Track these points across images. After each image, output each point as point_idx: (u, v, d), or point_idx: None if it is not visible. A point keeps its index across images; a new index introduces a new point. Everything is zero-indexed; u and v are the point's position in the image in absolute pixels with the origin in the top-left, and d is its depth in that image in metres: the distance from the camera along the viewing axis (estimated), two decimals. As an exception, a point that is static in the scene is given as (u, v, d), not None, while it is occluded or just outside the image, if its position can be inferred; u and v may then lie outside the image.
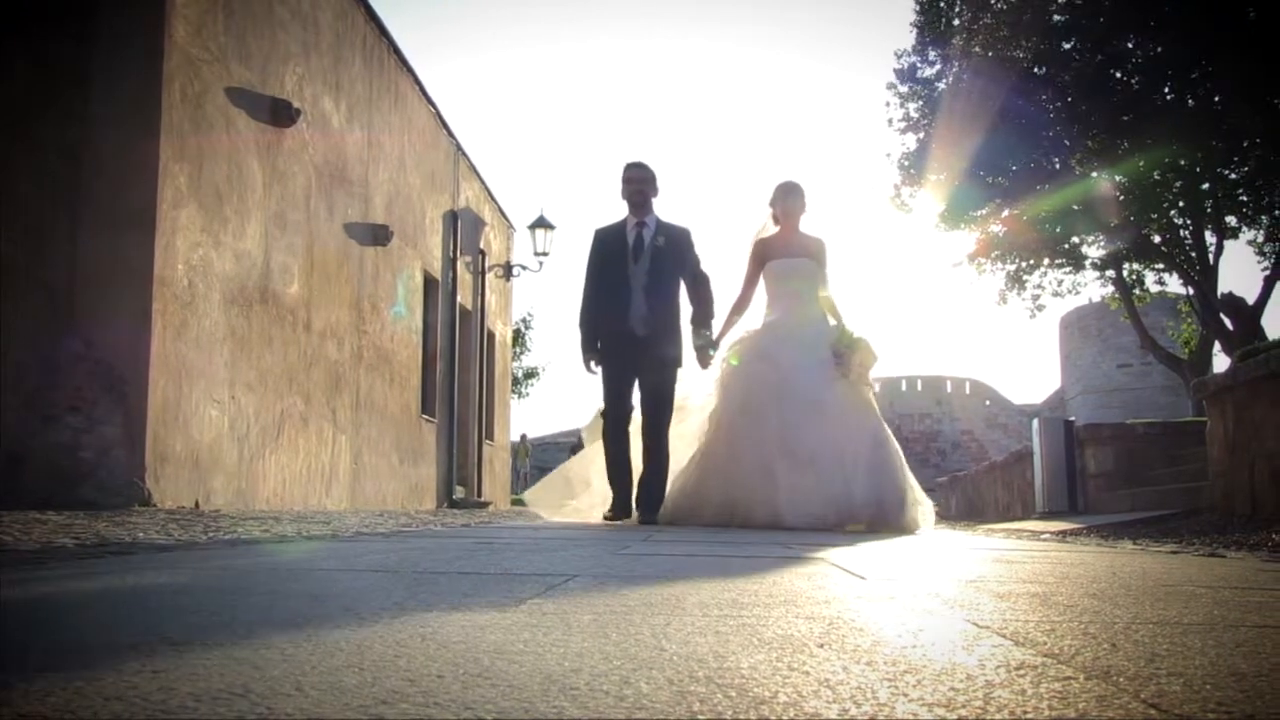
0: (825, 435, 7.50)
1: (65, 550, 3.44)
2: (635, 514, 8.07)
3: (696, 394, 8.54)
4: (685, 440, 8.35)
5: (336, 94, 11.52)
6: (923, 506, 7.79)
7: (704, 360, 8.38)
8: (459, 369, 16.85)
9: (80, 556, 3.27)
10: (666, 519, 7.93)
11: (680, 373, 8.43)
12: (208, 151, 8.53)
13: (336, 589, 2.34)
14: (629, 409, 8.21)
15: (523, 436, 39.39)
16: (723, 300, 8.57)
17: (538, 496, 9.56)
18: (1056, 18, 20.91)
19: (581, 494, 8.95)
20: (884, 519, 7.27)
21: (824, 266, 8.42)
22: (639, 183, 8.36)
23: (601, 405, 8.43)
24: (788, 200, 8.42)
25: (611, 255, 8.26)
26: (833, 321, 8.21)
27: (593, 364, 8.29)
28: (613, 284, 8.18)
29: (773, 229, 8.52)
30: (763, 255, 8.39)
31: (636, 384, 8.24)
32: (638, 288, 8.10)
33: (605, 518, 8.11)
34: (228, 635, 1.61)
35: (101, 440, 7.56)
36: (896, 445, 7.93)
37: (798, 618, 1.91)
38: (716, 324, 8.48)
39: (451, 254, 16.52)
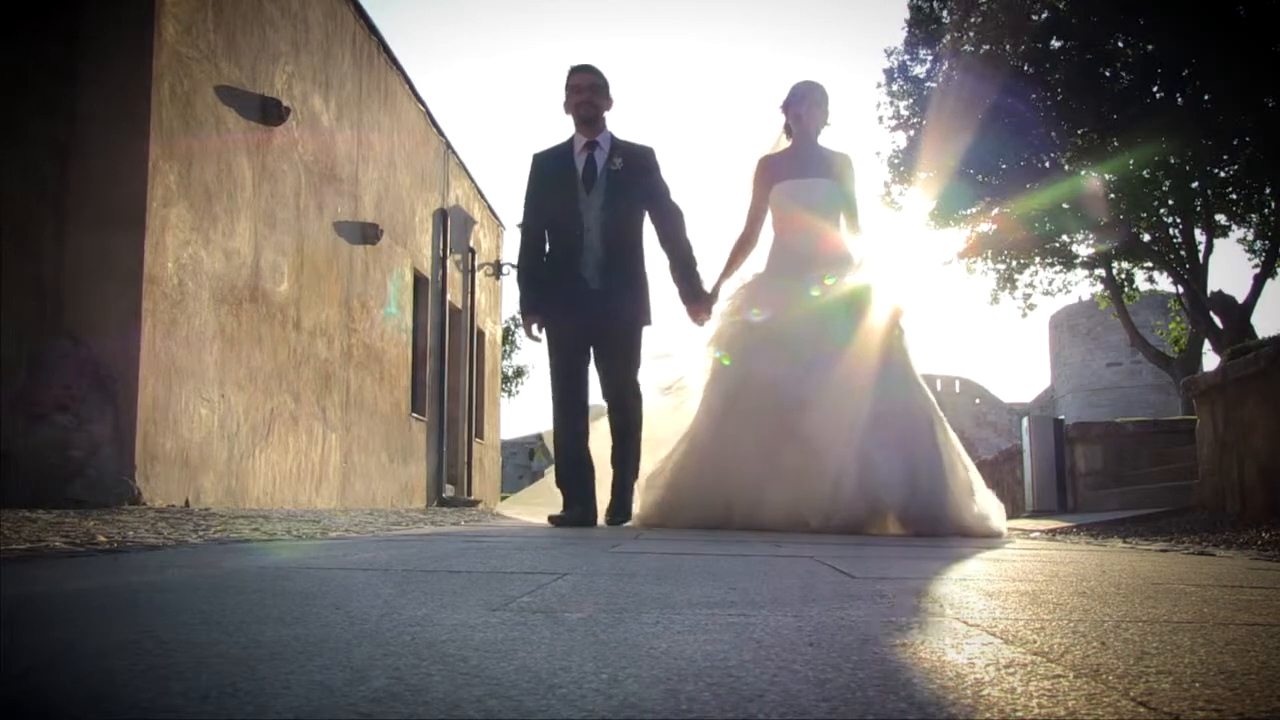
0: (838, 409, 5.92)
1: (55, 549, 3.43)
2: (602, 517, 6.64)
3: (695, 374, 6.87)
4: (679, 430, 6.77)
5: (326, 92, 11.51)
6: (987, 502, 6.10)
7: (697, 319, 6.79)
8: (449, 368, 16.84)
9: (70, 555, 3.26)
10: (641, 521, 6.56)
11: (671, 349, 7.06)
12: (197, 150, 8.51)
13: (326, 587, 2.34)
14: (584, 386, 6.66)
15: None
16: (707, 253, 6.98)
17: (518, 506, 8.09)
18: (1045, 15, 20.98)
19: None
20: (919, 516, 5.72)
21: (850, 189, 6.73)
22: (589, 90, 6.63)
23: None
24: (804, 104, 6.71)
25: (556, 186, 6.61)
26: (855, 259, 6.58)
27: (535, 328, 6.69)
28: (559, 223, 6.59)
29: (785, 144, 6.90)
30: (770, 175, 6.73)
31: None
32: (592, 226, 6.48)
33: (551, 520, 6.56)
34: (217, 634, 1.60)
35: (91, 439, 7.54)
36: (941, 418, 6.24)
37: (787, 616, 1.91)
38: (712, 271, 6.89)
39: (441, 252, 16.51)
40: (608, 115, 6.76)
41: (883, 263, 6.82)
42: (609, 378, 6.61)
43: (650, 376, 6.89)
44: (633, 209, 6.64)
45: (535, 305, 6.69)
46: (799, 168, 6.67)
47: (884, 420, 5.89)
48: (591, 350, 6.64)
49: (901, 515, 5.75)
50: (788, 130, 6.86)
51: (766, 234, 6.87)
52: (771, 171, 6.74)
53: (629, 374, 6.60)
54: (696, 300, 6.72)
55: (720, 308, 6.74)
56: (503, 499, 20.42)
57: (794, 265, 6.54)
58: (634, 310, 6.62)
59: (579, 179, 6.54)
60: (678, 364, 7.07)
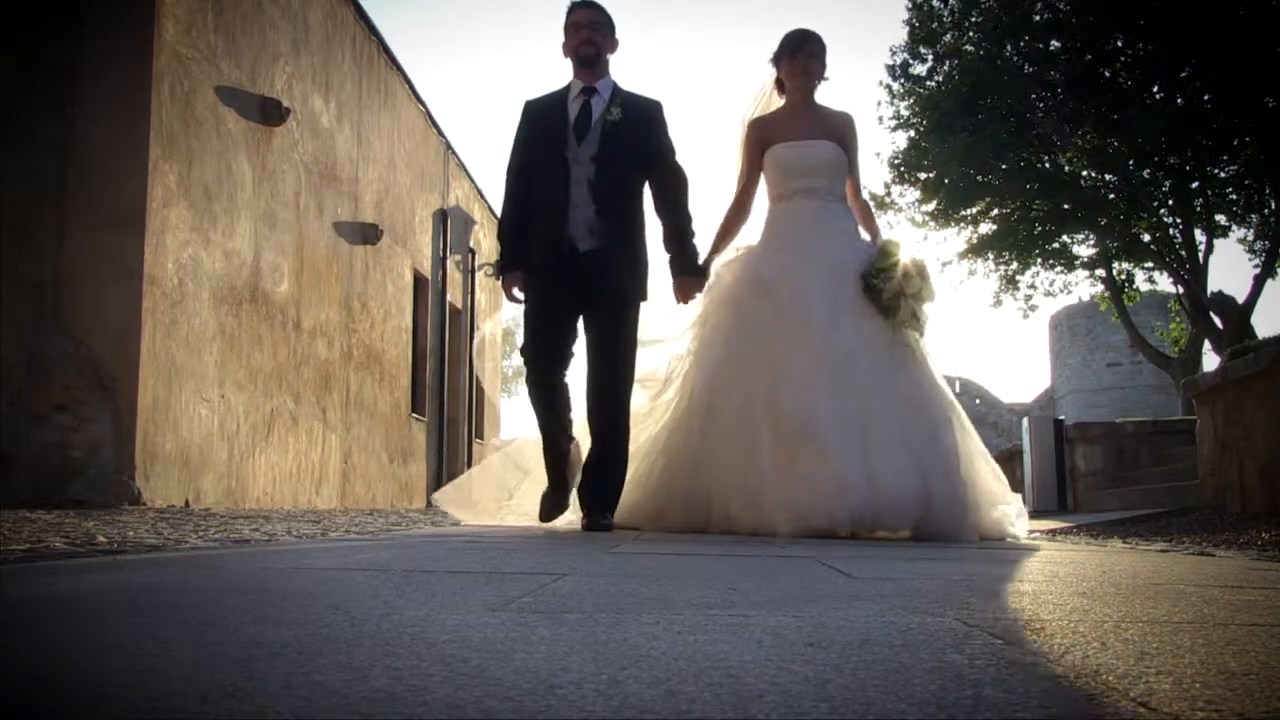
0: (841, 401, 5.14)
1: (55, 549, 3.43)
2: (581, 513, 5.75)
3: (682, 354, 6.08)
4: (658, 418, 6.02)
5: (326, 93, 11.51)
6: (1008, 508, 5.52)
7: (685, 294, 5.92)
8: (449, 368, 16.86)
9: (70, 555, 3.26)
10: (621, 522, 5.70)
11: (662, 333, 6.21)
12: (197, 150, 8.52)
13: (325, 588, 2.34)
14: (565, 356, 5.77)
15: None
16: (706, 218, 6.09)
17: (453, 496, 6.82)
18: (1045, 15, 21.02)
19: (517, 489, 6.38)
20: (934, 522, 5.00)
21: (852, 154, 5.94)
22: (590, 28, 5.80)
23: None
24: (798, 57, 5.85)
25: (545, 134, 5.78)
26: (865, 235, 5.82)
27: (516, 290, 5.85)
28: (544, 173, 5.72)
29: (777, 103, 6.06)
30: (762, 138, 5.90)
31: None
32: (581, 180, 5.62)
33: (542, 519, 5.80)
34: (217, 634, 1.60)
35: (91, 439, 7.55)
36: (959, 415, 5.50)
37: (787, 616, 1.90)
38: (703, 245, 6.01)
39: (441, 253, 16.53)
40: (611, 59, 5.95)
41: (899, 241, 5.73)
42: (595, 360, 5.67)
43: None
44: (630, 166, 5.76)
45: (514, 263, 5.87)
46: (796, 128, 5.85)
47: (895, 419, 5.20)
48: (580, 324, 5.77)
49: (907, 530, 5.04)
50: (779, 86, 6.03)
51: (759, 207, 6.07)
52: (764, 134, 5.91)
53: (619, 356, 5.67)
54: (689, 273, 5.90)
55: (708, 283, 5.98)
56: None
57: (792, 238, 5.75)
58: (628, 281, 5.72)
59: (570, 126, 5.71)
60: (663, 351, 6.22)
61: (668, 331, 6.20)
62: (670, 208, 5.88)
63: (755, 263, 5.79)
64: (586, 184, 5.61)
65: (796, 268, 5.57)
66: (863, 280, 5.42)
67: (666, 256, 5.96)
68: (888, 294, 5.35)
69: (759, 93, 6.14)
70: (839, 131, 5.88)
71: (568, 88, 5.85)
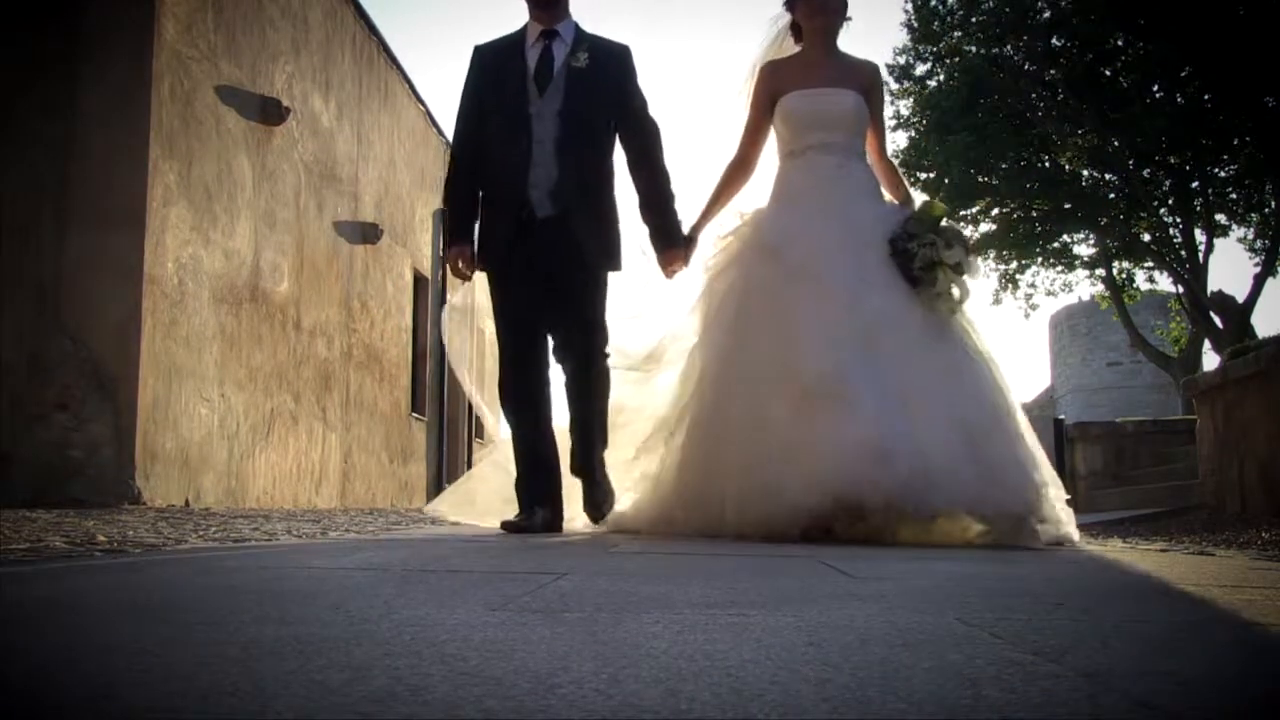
0: (873, 364, 4.38)
1: (55, 549, 3.43)
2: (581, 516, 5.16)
3: (681, 333, 5.17)
4: (655, 406, 5.19)
5: (326, 92, 11.51)
6: (1056, 496, 4.56)
7: (671, 268, 5.14)
8: (448, 367, 16.88)
9: (70, 555, 3.26)
10: (618, 526, 5.06)
11: (641, 308, 5.39)
12: (197, 149, 8.52)
13: (325, 587, 2.34)
14: (542, 349, 5.07)
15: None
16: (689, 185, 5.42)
17: (449, 503, 6.12)
18: (1046, 14, 21.04)
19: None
20: (995, 500, 4.24)
21: (876, 107, 5.16)
22: None
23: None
24: None
25: (502, 86, 5.00)
26: (889, 198, 5.09)
27: (462, 264, 5.13)
28: (502, 130, 4.95)
29: (792, 49, 5.21)
30: (774, 85, 5.05)
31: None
32: (544, 139, 4.86)
33: (505, 527, 4.88)
34: (216, 634, 1.60)
35: (91, 438, 7.55)
36: (1006, 383, 4.69)
37: (787, 616, 1.90)
38: (690, 207, 5.23)
39: (441, 252, 16.53)
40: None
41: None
42: (563, 337, 5.06)
43: (619, 344, 5.23)
44: (598, 119, 5.02)
45: (465, 231, 5.12)
46: (812, 76, 5.01)
47: (939, 390, 4.43)
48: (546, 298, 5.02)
49: (973, 509, 4.28)
50: (795, 31, 5.19)
51: (767, 166, 5.24)
52: (776, 81, 5.06)
53: (592, 339, 5.04)
54: (673, 243, 5.13)
55: (709, 255, 5.15)
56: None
57: (805, 197, 4.93)
58: (597, 248, 5.00)
59: (529, 76, 4.93)
60: (651, 326, 5.40)
61: (647, 305, 5.45)
62: (645, 168, 5.13)
63: (762, 227, 4.99)
64: (551, 142, 4.88)
65: (810, 229, 4.77)
66: (891, 244, 4.65)
67: (645, 227, 5.21)
68: (920, 261, 4.57)
69: (775, 36, 5.32)
70: (862, 81, 5.09)
71: (524, 30, 5.07)
